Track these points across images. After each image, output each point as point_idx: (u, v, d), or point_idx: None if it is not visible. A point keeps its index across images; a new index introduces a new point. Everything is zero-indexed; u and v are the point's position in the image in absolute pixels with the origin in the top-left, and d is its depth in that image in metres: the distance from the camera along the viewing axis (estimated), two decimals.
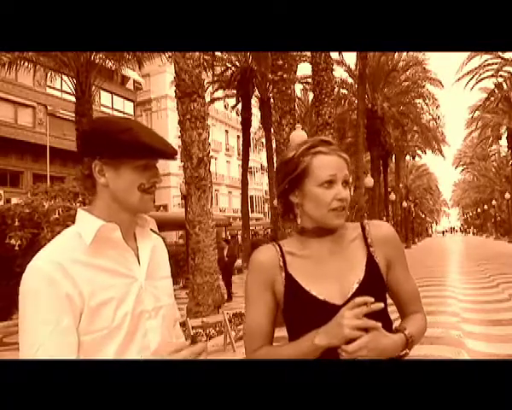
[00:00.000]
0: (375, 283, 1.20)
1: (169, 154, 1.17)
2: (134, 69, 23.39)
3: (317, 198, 1.20)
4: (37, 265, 1.07)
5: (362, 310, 1.06)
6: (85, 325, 1.07)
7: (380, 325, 1.07)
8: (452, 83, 29.52)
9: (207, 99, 13.96)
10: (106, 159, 1.14)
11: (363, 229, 1.27)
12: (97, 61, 14.63)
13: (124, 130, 1.12)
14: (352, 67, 26.27)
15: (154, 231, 1.32)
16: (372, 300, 1.07)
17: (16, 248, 9.54)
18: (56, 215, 9.85)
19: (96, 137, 1.14)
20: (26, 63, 15.01)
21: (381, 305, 1.08)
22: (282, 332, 1.32)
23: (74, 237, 1.14)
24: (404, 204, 42.86)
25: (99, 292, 1.09)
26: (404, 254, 1.30)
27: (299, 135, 10.44)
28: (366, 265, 1.21)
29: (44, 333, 1.03)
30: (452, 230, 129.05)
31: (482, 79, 29.70)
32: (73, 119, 14.89)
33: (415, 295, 1.30)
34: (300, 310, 1.22)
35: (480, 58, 27.78)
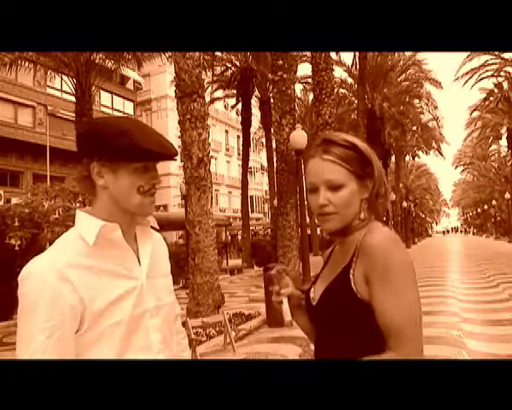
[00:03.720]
0: (339, 294, 1.12)
1: (167, 156, 1.16)
2: (134, 69, 23.40)
3: (309, 204, 1.23)
4: (37, 271, 1.06)
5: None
6: (86, 328, 1.07)
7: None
8: (451, 82, 29.61)
9: (207, 99, 13.95)
10: (103, 161, 1.13)
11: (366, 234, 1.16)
12: (97, 61, 14.64)
13: (120, 133, 1.10)
14: (351, 67, 26.30)
15: (154, 228, 1.32)
16: (279, 267, 1.28)
17: (16, 248, 9.54)
18: (56, 215, 9.84)
19: (93, 140, 1.13)
20: (26, 63, 15.03)
21: (278, 267, 1.28)
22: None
23: (75, 239, 1.14)
24: (404, 204, 42.85)
25: (100, 296, 1.09)
26: (393, 274, 1.05)
27: (299, 135, 10.45)
28: (338, 274, 1.15)
29: (38, 341, 1.02)
30: (453, 229, 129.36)
31: (482, 79, 29.73)
32: (73, 119, 14.91)
33: (390, 327, 1.04)
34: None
35: (479, 59, 27.85)
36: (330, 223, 1.16)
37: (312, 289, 1.27)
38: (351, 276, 1.10)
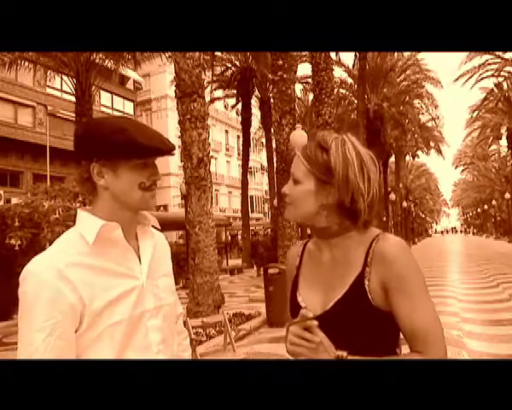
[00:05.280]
0: (356, 304, 1.10)
1: (166, 151, 1.16)
2: (134, 69, 23.41)
3: None
4: (37, 270, 1.06)
5: (300, 327, 1.08)
6: (86, 327, 1.08)
7: (318, 339, 1.06)
8: (451, 82, 29.61)
9: (207, 99, 13.95)
10: (103, 161, 1.13)
11: (373, 241, 1.13)
12: (97, 61, 14.64)
13: (117, 130, 1.11)
14: (351, 67, 26.31)
15: (155, 228, 1.32)
16: (310, 315, 1.08)
17: (16, 248, 9.54)
18: (56, 215, 9.84)
19: (91, 141, 1.13)
20: (26, 63, 15.03)
21: (315, 322, 1.06)
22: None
23: (75, 238, 1.14)
24: (404, 204, 42.87)
25: (100, 295, 1.09)
26: (412, 281, 1.08)
27: (299, 135, 10.44)
28: (352, 283, 1.12)
29: (39, 340, 1.03)
30: (453, 230, 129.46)
31: (482, 79, 29.75)
32: (73, 119, 14.91)
33: (418, 334, 1.07)
34: (290, 313, 1.22)
35: (480, 58, 27.85)
36: (285, 212, 1.22)
37: (300, 298, 1.21)
38: (366, 286, 1.10)
